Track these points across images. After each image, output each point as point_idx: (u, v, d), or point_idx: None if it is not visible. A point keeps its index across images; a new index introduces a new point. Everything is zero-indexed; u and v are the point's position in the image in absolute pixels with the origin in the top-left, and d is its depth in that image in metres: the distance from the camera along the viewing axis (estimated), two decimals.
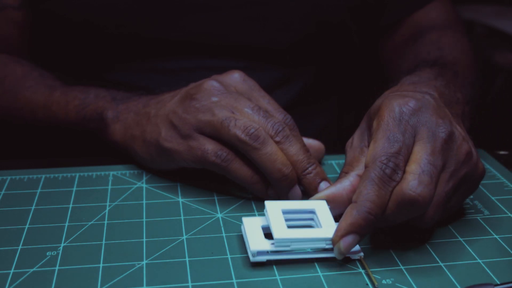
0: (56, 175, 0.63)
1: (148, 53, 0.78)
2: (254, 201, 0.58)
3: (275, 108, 0.59)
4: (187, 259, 0.50)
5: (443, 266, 0.49)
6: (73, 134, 0.68)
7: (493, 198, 0.59)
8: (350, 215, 0.47)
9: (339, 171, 0.53)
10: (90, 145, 0.67)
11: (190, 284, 0.47)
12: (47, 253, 0.50)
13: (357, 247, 0.50)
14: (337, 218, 0.50)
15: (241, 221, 0.55)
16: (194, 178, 0.61)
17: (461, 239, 0.53)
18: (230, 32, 0.78)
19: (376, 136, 0.51)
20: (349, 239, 0.47)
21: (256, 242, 0.49)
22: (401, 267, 0.49)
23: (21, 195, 0.59)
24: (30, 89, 0.71)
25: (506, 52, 1.66)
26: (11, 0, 0.78)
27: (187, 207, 0.57)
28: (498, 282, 0.47)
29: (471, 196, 0.60)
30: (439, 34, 0.81)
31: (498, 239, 0.53)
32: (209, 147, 0.56)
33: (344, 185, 0.52)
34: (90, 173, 0.63)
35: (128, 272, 0.48)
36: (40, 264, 0.49)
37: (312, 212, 0.52)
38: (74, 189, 0.60)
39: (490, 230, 0.54)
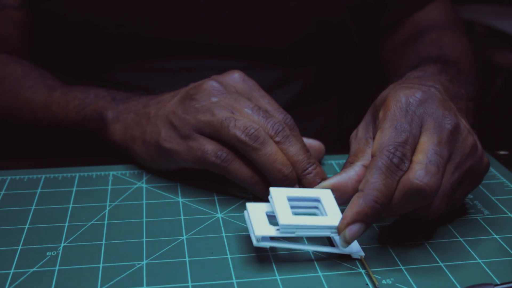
0: (56, 175, 0.63)
1: (148, 53, 0.78)
2: (254, 201, 0.58)
3: (275, 108, 0.59)
4: (187, 259, 0.50)
5: (443, 266, 0.49)
6: (73, 134, 0.68)
7: (493, 198, 0.59)
8: (357, 204, 0.47)
9: (339, 171, 0.53)
10: (90, 145, 0.67)
11: (190, 284, 0.47)
12: (47, 253, 0.50)
13: (358, 246, 0.50)
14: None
15: (241, 221, 0.55)
16: (194, 178, 0.61)
17: (461, 239, 0.53)
18: (230, 32, 0.78)
19: (382, 126, 0.51)
20: (355, 227, 0.47)
21: (260, 228, 0.49)
22: (401, 267, 0.49)
23: (21, 195, 0.59)
24: (30, 89, 0.71)
25: (506, 52, 1.66)
26: (11, 0, 0.78)
27: (187, 207, 0.57)
28: (498, 282, 0.47)
29: (471, 196, 0.60)
30: (439, 34, 0.81)
31: (498, 239, 0.53)
32: (209, 147, 0.56)
33: (349, 175, 0.52)
34: (90, 173, 0.63)
35: (128, 272, 0.48)
36: (40, 264, 0.49)
37: (317, 200, 0.51)
38: (74, 189, 0.60)
39: (490, 230, 0.54)
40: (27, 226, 0.54)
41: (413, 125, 0.50)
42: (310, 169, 0.56)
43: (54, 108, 0.69)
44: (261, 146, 0.55)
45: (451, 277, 0.48)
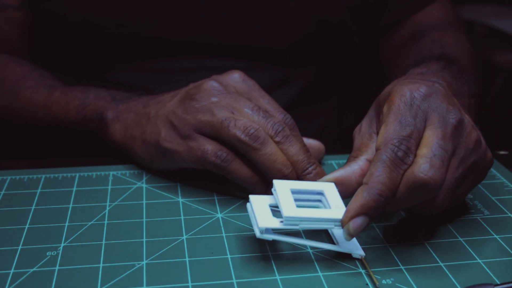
0: (56, 175, 0.63)
1: (148, 53, 0.78)
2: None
3: (275, 108, 0.59)
4: (187, 259, 0.50)
5: (443, 266, 0.49)
6: (73, 134, 0.68)
7: (493, 198, 0.59)
8: (361, 197, 0.47)
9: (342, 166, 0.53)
10: (90, 145, 0.67)
11: (190, 284, 0.47)
12: (47, 253, 0.50)
13: (358, 245, 0.50)
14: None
15: (241, 221, 0.55)
16: (194, 178, 0.61)
17: (461, 239, 0.53)
18: (230, 32, 0.78)
19: (387, 120, 0.50)
20: (358, 220, 0.47)
21: (264, 219, 0.48)
22: (401, 267, 0.49)
23: (21, 195, 0.59)
24: (30, 89, 0.71)
25: (506, 52, 1.66)
26: (11, 0, 0.78)
27: (187, 207, 0.57)
28: (498, 282, 0.47)
29: (471, 196, 0.60)
30: (439, 34, 0.81)
31: (498, 239, 0.53)
32: (209, 147, 0.56)
33: (353, 169, 0.52)
34: (90, 173, 0.63)
35: (128, 272, 0.48)
36: (40, 264, 0.49)
37: (321, 193, 0.51)
38: (74, 189, 0.60)
39: (490, 230, 0.54)
40: (27, 226, 0.54)
41: (418, 119, 0.50)
42: (310, 169, 0.56)
43: (54, 108, 0.69)
44: (261, 146, 0.54)
45: (451, 277, 0.48)
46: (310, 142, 0.63)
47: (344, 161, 0.55)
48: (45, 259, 0.50)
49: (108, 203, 0.58)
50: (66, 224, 0.54)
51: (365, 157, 0.52)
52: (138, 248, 0.51)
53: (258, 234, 0.48)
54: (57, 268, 0.48)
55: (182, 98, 0.59)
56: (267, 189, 0.57)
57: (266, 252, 0.51)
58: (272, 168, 0.55)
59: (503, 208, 0.58)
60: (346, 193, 0.51)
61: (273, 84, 0.80)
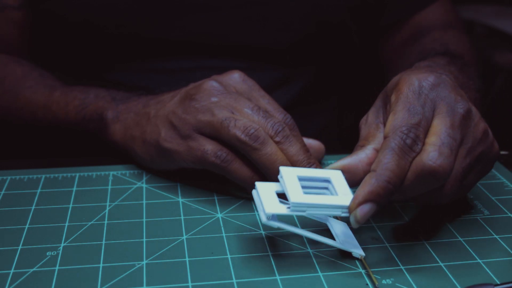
0: (56, 175, 0.63)
1: (148, 53, 0.78)
2: (254, 201, 0.58)
3: (275, 108, 0.59)
4: (187, 259, 0.50)
5: (443, 266, 0.49)
6: (73, 134, 0.68)
7: (493, 198, 0.59)
8: (369, 184, 0.47)
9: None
10: (90, 145, 0.67)
11: (190, 284, 0.47)
12: (47, 253, 0.50)
13: (358, 244, 0.50)
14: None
15: (241, 221, 0.55)
16: (194, 178, 0.61)
17: (461, 239, 0.53)
18: (230, 32, 0.78)
19: (395, 108, 0.50)
20: (366, 207, 0.46)
21: (271, 205, 0.48)
22: (401, 267, 0.49)
23: (21, 195, 0.59)
24: (30, 89, 0.71)
25: (506, 52, 1.66)
26: (11, 0, 0.78)
27: (187, 207, 0.57)
28: (498, 282, 0.47)
29: (471, 196, 0.60)
30: (441, 33, 0.81)
31: (498, 239, 0.53)
32: (209, 147, 0.56)
33: (360, 157, 0.51)
34: (90, 173, 0.63)
35: (128, 272, 0.48)
36: (40, 264, 0.49)
37: (328, 181, 0.50)
38: (74, 189, 0.60)
39: (490, 230, 0.54)
40: (27, 226, 0.54)
41: (426, 108, 0.50)
42: None
43: (54, 108, 0.69)
44: (261, 146, 0.54)
45: (451, 277, 0.48)
46: (310, 142, 0.63)
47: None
48: (45, 259, 0.49)
49: (108, 203, 0.58)
50: (66, 224, 0.54)
51: (372, 146, 0.52)
52: (138, 248, 0.51)
53: (264, 219, 0.48)
54: (57, 268, 0.48)
55: (182, 98, 0.59)
56: None
57: (266, 252, 0.51)
58: (272, 168, 0.55)
59: (503, 208, 0.58)
60: (353, 182, 0.51)
61: (273, 84, 0.80)
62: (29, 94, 0.71)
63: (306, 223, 0.55)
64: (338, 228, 0.52)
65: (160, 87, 0.66)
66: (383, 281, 0.47)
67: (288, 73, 0.82)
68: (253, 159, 0.55)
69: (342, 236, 0.51)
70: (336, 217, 0.54)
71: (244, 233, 0.53)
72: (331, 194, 0.50)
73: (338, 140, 0.88)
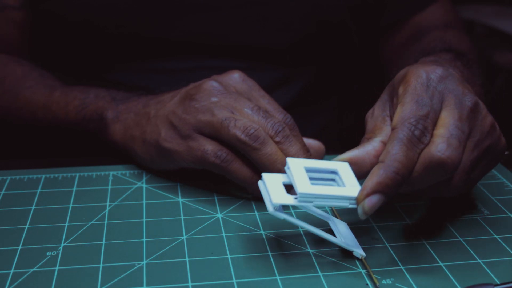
0: (56, 175, 0.63)
1: (148, 53, 0.78)
2: (254, 201, 0.58)
3: (275, 108, 0.59)
4: (187, 259, 0.50)
5: (443, 266, 0.49)
6: (73, 134, 0.68)
7: (493, 198, 0.59)
8: (377, 175, 0.46)
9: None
10: (90, 145, 0.67)
11: (190, 284, 0.47)
12: (47, 253, 0.50)
13: (357, 244, 0.50)
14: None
15: (241, 221, 0.55)
16: (194, 178, 0.61)
17: (461, 239, 0.53)
18: (230, 32, 0.78)
19: (403, 100, 0.50)
20: (374, 198, 0.46)
21: (278, 196, 0.48)
22: (401, 267, 0.49)
23: (21, 195, 0.59)
24: (30, 89, 0.71)
25: (506, 52, 1.66)
26: (11, 0, 0.78)
27: (187, 207, 0.57)
28: (498, 282, 0.47)
29: (471, 196, 0.59)
30: (442, 33, 0.81)
31: (498, 239, 0.53)
32: (209, 147, 0.56)
33: (367, 149, 0.51)
34: (90, 173, 0.63)
35: (128, 272, 0.48)
36: (40, 264, 0.49)
37: (335, 172, 0.50)
38: (74, 189, 0.60)
39: (490, 230, 0.54)
40: (27, 226, 0.54)
41: (434, 100, 0.50)
42: None
43: (54, 108, 0.69)
44: (261, 146, 0.54)
45: (451, 277, 0.48)
46: (310, 142, 0.63)
47: None
48: (45, 259, 0.49)
49: (108, 203, 0.58)
50: (66, 224, 0.54)
51: (379, 139, 0.51)
52: (138, 248, 0.51)
53: (270, 209, 0.48)
54: (57, 268, 0.48)
55: (182, 98, 0.59)
56: None
57: (266, 252, 0.51)
58: (272, 168, 0.55)
59: (503, 208, 0.58)
60: (360, 173, 0.50)
61: (273, 84, 0.80)
62: (29, 94, 0.71)
63: (309, 222, 0.55)
64: (339, 227, 0.52)
65: (160, 87, 0.66)
66: (383, 281, 0.47)
67: (288, 73, 0.82)
68: (253, 159, 0.55)
69: (344, 235, 0.51)
70: (334, 222, 0.54)
71: (244, 233, 0.53)
72: (339, 185, 0.50)
73: (338, 140, 0.88)
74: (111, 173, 0.63)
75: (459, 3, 1.41)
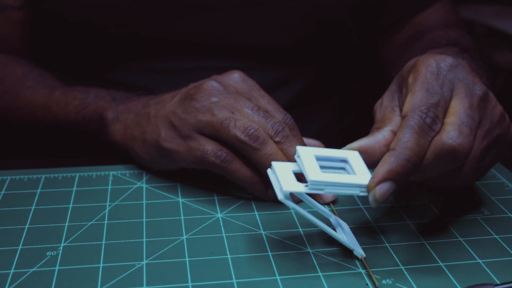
0: (56, 175, 0.63)
1: (148, 53, 0.78)
2: (254, 201, 0.58)
3: (275, 108, 0.59)
4: (187, 259, 0.50)
5: (443, 266, 0.49)
6: (73, 134, 0.68)
7: (493, 198, 0.59)
8: (388, 162, 0.46)
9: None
10: (90, 145, 0.67)
11: (190, 284, 0.47)
12: (47, 253, 0.50)
13: (357, 244, 0.50)
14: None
15: (241, 221, 0.55)
16: (194, 178, 0.61)
17: (461, 239, 0.53)
18: (230, 32, 0.78)
19: (413, 88, 0.50)
20: (385, 186, 0.46)
21: (288, 183, 0.47)
22: (401, 267, 0.49)
23: (21, 195, 0.59)
24: (30, 89, 0.71)
25: (506, 52, 1.66)
26: (12, 1, 0.78)
27: (187, 207, 0.57)
28: (498, 282, 0.47)
29: (471, 196, 0.59)
30: (443, 31, 0.81)
31: (498, 239, 0.53)
32: (209, 147, 0.56)
33: (377, 138, 0.50)
34: (90, 173, 0.63)
35: (128, 272, 0.48)
36: (40, 264, 0.49)
37: (345, 161, 0.50)
38: (74, 189, 0.60)
39: (490, 230, 0.54)
40: (27, 226, 0.54)
41: (444, 89, 0.50)
42: None
43: (54, 108, 0.69)
44: (261, 146, 0.54)
45: (451, 277, 0.48)
46: (310, 142, 0.63)
47: None
48: (45, 259, 0.49)
49: (108, 203, 0.58)
50: (66, 224, 0.54)
51: (389, 128, 0.51)
52: (138, 248, 0.51)
53: (280, 197, 0.47)
54: (57, 268, 0.48)
55: (182, 98, 0.59)
56: (267, 189, 0.57)
57: (266, 252, 0.51)
58: None
59: (503, 208, 0.58)
60: (370, 162, 0.50)
61: (273, 84, 0.80)
62: (29, 94, 0.71)
63: (309, 222, 0.55)
64: (339, 227, 0.52)
65: (160, 87, 0.66)
66: (383, 281, 0.47)
67: (288, 73, 0.82)
68: (253, 159, 0.55)
69: (346, 235, 0.51)
70: (336, 220, 0.54)
71: (244, 233, 0.53)
72: (349, 173, 0.49)
73: (338, 140, 0.88)
74: (111, 173, 0.63)
75: (459, 3, 1.41)
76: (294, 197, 0.56)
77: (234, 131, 0.55)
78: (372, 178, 0.46)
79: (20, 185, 0.61)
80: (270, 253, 0.50)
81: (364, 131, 0.54)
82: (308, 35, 0.81)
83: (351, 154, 0.50)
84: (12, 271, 0.48)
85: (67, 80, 0.73)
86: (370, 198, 0.46)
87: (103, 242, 0.52)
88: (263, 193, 0.57)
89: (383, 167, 0.46)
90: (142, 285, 0.47)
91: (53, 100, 0.69)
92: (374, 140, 0.50)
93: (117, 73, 0.79)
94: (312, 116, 0.85)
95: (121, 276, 0.47)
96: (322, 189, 0.47)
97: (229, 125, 0.55)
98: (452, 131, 0.47)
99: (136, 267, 0.49)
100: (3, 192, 0.59)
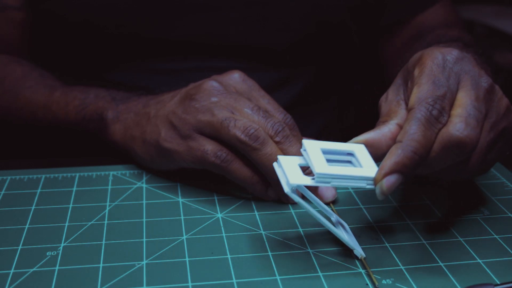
0: (56, 175, 0.63)
1: (148, 53, 0.78)
2: (254, 201, 0.58)
3: (275, 108, 0.59)
4: (187, 259, 0.50)
5: (443, 266, 0.49)
6: (73, 134, 0.68)
7: (493, 198, 0.59)
8: (395, 154, 0.46)
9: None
10: (90, 145, 0.67)
11: (190, 284, 0.47)
12: (47, 253, 0.50)
13: (357, 244, 0.50)
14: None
15: (241, 221, 0.55)
16: (194, 178, 0.61)
17: (461, 239, 0.53)
18: (230, 32, 0.78)
19: (420, 81, 0.50)
20: (392, 178, 0.45)
21: (295, 177, 0.47)
22: (401, 267, 0.49)
23: (21, 195, 0.59)
24: (30, 89, 0.71)
25: (506, 52, 1.66)
26: (12, 1, 0.78)
27: (187, 207, 0.57)
28: (498, 282, 0.47)
29: (471, 196, 0.59)
30: (444, 31, 0.81)
31: (498, 239, 0.53)
32: (209, 147, 0.56)
33: (383, 131, 0.50)
34: (90, 173, 0.63)
35: (128, 272, 0.48)
36: (40, 264, 0.49)
37: (351, 154, 0.50)
38: (74, 189, 0.60)
39: (490, 230, 0.54)
40: (27, 226, 0.54)
41: (451, 81, 0.50)
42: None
43: (54, 108, 0.69)
44: (261, 146, 0.54)
45: (451, 277, 0.48)
46: None
47: None
48: (45, 259, 0.49)
49: (108, 203, 0.58)
50: (66, 224, 0.54)
51: (395, 122, 0.51)
52: (138, 248, 0.51)
53: (287, 190, 0.47)
54: (57, 268, 0.48)
55: (182, 98, 0.59)
56: (267, 189, 0.57)
57: (266, 252, 0.51)
58: (272, 168, 0.55)
59: (503, 208, 0.58)
60: (376, 156, 0.50)
61: (273, 84, 0.80)
62: (29, 94, 0.71)
63: (309, 222, 0.55)
64: (340, 226, 0.52)
65: (160, 87, 0.66)
66: (383, 281, 0.47)
67: (288, 73, 0.82)
68: (253, 159, 0.55)
69: (348, 236, 0.51)
70: (337, 218, 0.54)
71: (244, 233, 0.53)
72: (355, 166, 0.49)
73: (338, 140, 0.88)
74: (111, 173, 0.63)
75: (459, 3, 1.41)
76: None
77: (234, 131, 0.55)
78: (379, 170, 0.46)
79: (20, 185, 0.61)
80: (270, 253, 0.50)
81: (364, 131, 0.54)
82: (308, 35, 0.81)
83: (357, 147, 0.50)
84: (12, 271, 0.48)
85: (67, 80, 0.73)
86: (377, 191, 0.46)
87: (103, 242, 0.52)
88: (263, 193, 0.57)
89: (390, 159, 0.46)
90: (142, 285, 0.47)
91: (53, 100, 0.69)
92: (380, 133, 0.50)
93: (117, 73, 0.79)
94: (312, 116, 0.85)
95: (121, 276, 0.47)
96: (329, 182, 0.47)
97: (229, 125, 0.55)
98: (459, 123, 0.47)
99: (136, 267, 0.49)
100: (3, 192, 0.59)
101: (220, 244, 0.52)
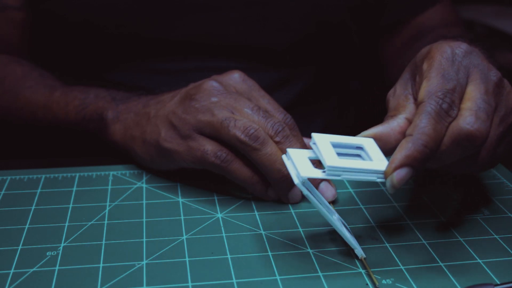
0: (56, 175, 0.63)
1: (148, 53, 0.78)
2: (254, 201, 0.58)
3: (275, 108, 0.59)
4: (187, 259, 0.50)
5: (443, 266, 0.49)
6: (73, 134, 0.68)
7: (493, 198, 0.59)
8: (405, 148, 0.46)
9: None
10: (90, 145, 0.67)
11: (190, 284, 0.47)
12: (47, 253, 0.50)
13: (357, 244, 0.50)
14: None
15: (241, 221, 0.55)
16: (194, 178, 0.61)
17: (461, 239, 0.53)
18: (230, 32, 0.78)
19: (429, 75, 0.50)
20: (403, 171, 0.45)
21: (305, 169, 0.47)
22: (401, 267, 0.49)
23: (21, 195, 0.59)
24: (30, 89, 0.71)
25: (506, 52, 1.66)
26: (12, 1, 0.78)
27: (187, 207, 0.57)
28: (498, 282, 0.47)
29: (471, 196, 0.59)
30: (445, 30, 0.81)
31: (498, 239, 0.53)
32: (209, 147, 0.56)
33: (392, 126, 0.50)
34: (90, 173, 0.63)
35: (128, 272, 0.48)
36: (40, 264, 0.49)
37: (360, 147, 0.49)
38: (74, 189, 0.60)
39: (490, 230, 0.54)
40: (27, 226, 0.54)
41: (460, 75, 0.50)
42: None
43: (54, 108, 0.69)
44: (261, 146, 0.54)
45: (451, 277, 0.48)
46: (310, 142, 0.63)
47: None
48: (45, 259, 0.50)
49: (108, 203, 0.58)
50: (66, 224, 0.54)
51: (404, 116, 0.50)
52: (138, 248, 0.51)
53: (297, 181, 0.47)
54: (57, 268, 0.48)
55: (182, 98, 0.59)
56: (267, 189, 0.57)
57: (266, 252, 0.51)
58: (272, 168, 0.55)
59: (503, 208, 0.58)
60: (384, 150, 0.49)
61: (273, 84, 0.80)
62: (29, 94, 0.71)
63: (309, 222, 0.55)
64: (340, 226, 0.52)
65: (160, 87, 0.66)
66: (383, 281, 0.47)
67: (288, 73, 0.82)
68: (253, 159, 0.55)
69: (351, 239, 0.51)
70: (338, 218, 0.54)
71: (244, 233, 0.53)
72: (365, 160, 0.49)
73: None
74: (111, 173, 0.63)
75: (459, 3, 1.41)
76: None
77: (234, 131, 0.55)
78: (390, 163, 0.46)
79: (20, 185, 0.61)
80: (270, 253, 0.50)
81: (364, 129, 0.54)
82: (308, 35, 0.81)
83: (366, 141, 0.49)
84: (12, 271, 0.48)
85: (67, 80, 0.73)
86: (388, 184, 0.46)
87: (103, 242, 0.52)
88: (263, 193, 0.57)
89: (401, 152, 0.46)
90: (142, 285, 0.47)
91: (53, 100, 0.69)
92: (389, 127, 0.50)
93: (117, 73, 0.79)
94: (312, 116, 0.85)
95: (121, 276, 0.47)
96: (339, 175, 0.47)
97: (229, 125, 0.55)
98: (469, 117, 0.47)
99: (136, 267, 0.49)
100: (3, 192, 0.59)
101: (220, 244, 0.52)
